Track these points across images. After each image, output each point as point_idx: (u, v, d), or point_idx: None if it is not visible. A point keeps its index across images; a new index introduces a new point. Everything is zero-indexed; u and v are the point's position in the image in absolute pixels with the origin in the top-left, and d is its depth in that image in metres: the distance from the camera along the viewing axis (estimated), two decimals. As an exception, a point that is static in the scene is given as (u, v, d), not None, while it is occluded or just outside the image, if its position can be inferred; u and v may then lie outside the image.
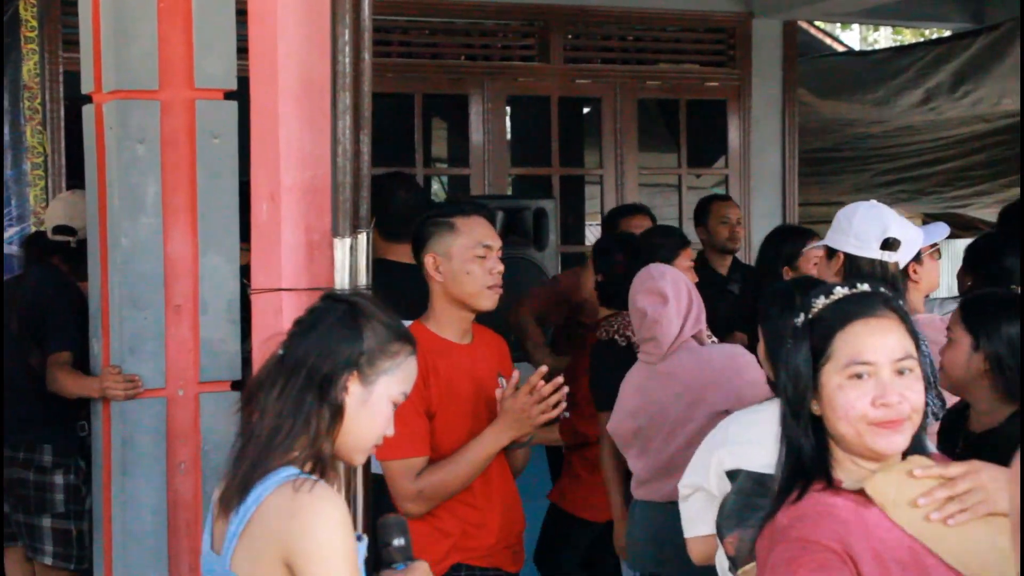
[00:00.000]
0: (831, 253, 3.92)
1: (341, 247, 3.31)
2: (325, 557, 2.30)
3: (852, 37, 18.59)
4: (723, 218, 6.40)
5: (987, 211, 10.24)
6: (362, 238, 3.35)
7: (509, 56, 7.66)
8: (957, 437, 3.44)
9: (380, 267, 4.60)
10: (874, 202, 3.96)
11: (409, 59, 7.39)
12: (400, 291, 4.46)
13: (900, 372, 2.20)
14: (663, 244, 4.90)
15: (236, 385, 4.18)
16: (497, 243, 3.69)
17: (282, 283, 3.31)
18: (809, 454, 2.23)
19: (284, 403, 2.39)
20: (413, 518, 3.45)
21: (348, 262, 3.33)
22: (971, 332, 3.39)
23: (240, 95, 3.90)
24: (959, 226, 10.69)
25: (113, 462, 4.16)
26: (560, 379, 3.51)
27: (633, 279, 4.29)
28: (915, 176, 9.80)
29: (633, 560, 4.33)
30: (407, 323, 3.85)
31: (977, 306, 3.48)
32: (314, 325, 2.46)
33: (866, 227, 3.83)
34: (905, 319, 2.25)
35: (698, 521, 3.24)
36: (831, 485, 2.21)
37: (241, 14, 3.63)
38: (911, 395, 2.19)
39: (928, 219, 12.22)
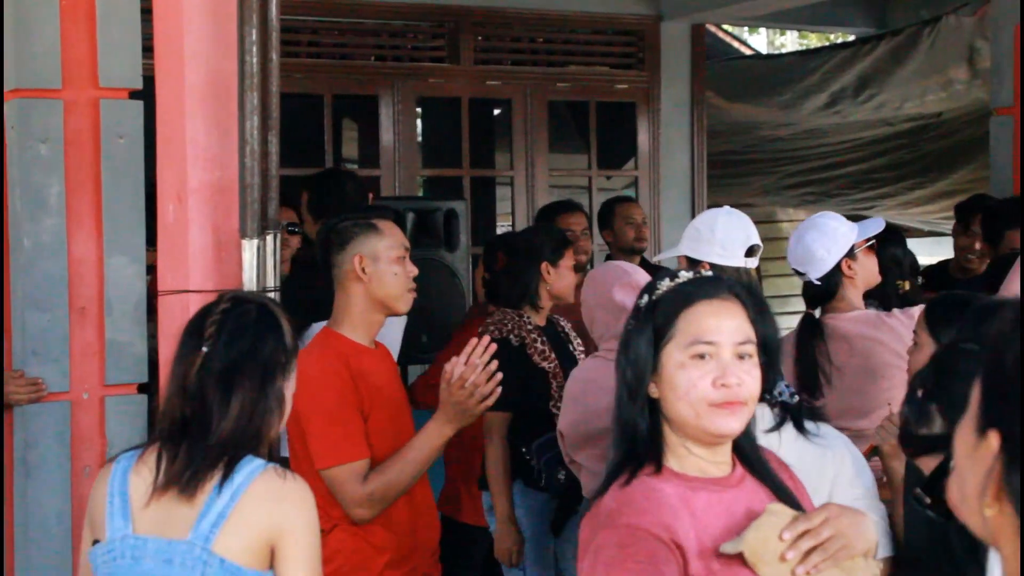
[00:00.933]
0: (692, 262, 3.96)
1: (249, 248, 3.29)
2: (308, 539, 2.57)
3: (759, 41, 18.80)
4: (628, 219, 6.40)
5: (891, 213, 10.41)
6: (270, 239, 3.33)
7: (419, 57, 7.65)
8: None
9: None
10: (729, 209, 4.01)
11: (318, 59, 7.35)
12: None
13: (740, 356, 2.23)
14: (547, 243, 4.90)
15: (143, 388, 4.13)
16: (409, 245, 3.74)
17: (189, 284, 3.28)
18: (643, 437, 2.25)
19: (242, 399, 2.56)
20: (362, 523, 3.46)
21: (256, 263, 3.30)
22: (933, 335, 3.44)
23: (146, 94, 3.86)
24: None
25: (16, 467, 4.09)
26: (494, 364, 3.44)
27: (595, 275, 4.29)
28: (822, 178, 9.93)
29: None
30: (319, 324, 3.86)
31: (940, 308, 3.53)
32: (243, 326, 2.59)
33: (731, 236, 3.89)
34: (748, 307, 2.28)
35: None
36: (660, 470, 2.23)
37: (146, 12, 3.60)
38: (749, 380, 2.23)
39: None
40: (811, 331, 4.12)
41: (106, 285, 4.07)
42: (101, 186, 4.07)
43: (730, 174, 9.53)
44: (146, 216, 4.04)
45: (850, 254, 4.15)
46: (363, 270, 3.58)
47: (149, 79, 3.53)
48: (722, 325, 2.24)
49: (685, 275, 2.31)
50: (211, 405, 2.55)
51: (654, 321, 2.25)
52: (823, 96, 8.89)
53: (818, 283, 4.13)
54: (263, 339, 2.61)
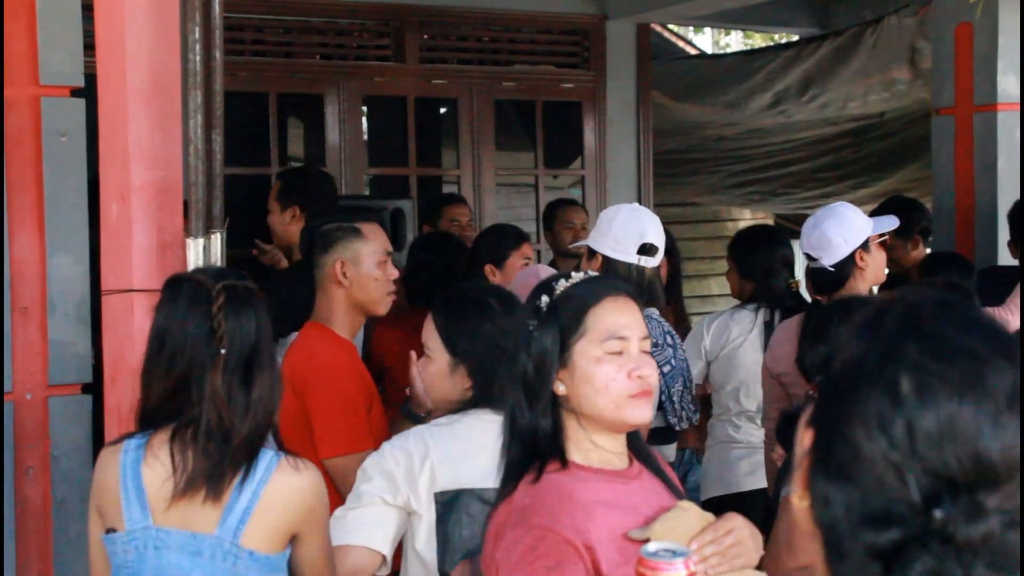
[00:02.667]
0: (592, 253, 4.03)
1: (194, 247, 3.28)
2: (323, 519, 2.73)
3: (704, 41, 18.91)
4: (567, 223, 6.43)
5: (835, 211, 10.49)
6: (215, 238, 3.32)
7: (365, 56, 7.63)
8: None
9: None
10: (636, 206, 4.08)
11: (263, 58, 7.31)
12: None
13: (643, 350, 2.32)
14: (496, 244, 4.92)
15: (87, 388, 4.10)
16: (391, 249, 3.80)
17: (133, 284, 3.26)
18: (547, 434, 2.29)
19: (261, 394, 2.64)
20: None
21: (201, 262, 3.29)
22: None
23: (88, 93, 3.83)
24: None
25: (-43, 469, 4.05)
26: None
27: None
28: (766, 177, 10.00)
29: None
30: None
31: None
32: (239, 308, 2.65)
33: (625, 232, 3.95)
34: (640, 305, 2.38)
35: (374, 533, 2.82)
36: (566, 465, 2.27)
37: (87, 10, 3.57)
38: (653, 372, 2.33)
39: (780, 220, 12.52)
40: (827, 315, 4.10)
41: (49, 284, 4.04)
42: (43, 185, 4.03)
43: (676, 173, 9.58)
44: (90, 215, 4.00)
45: (864, 246, 4.22)
46: (344, 274, 3.65)
47: (91, 77, 3.51)
48: (630, 321, 2.32)
49: (578, 275, 2.37)
50: (237, 409, 2.62)
51: (559, 319, 2.29)
52: (767, 96, 8.94)
53: (831, 269, 4.18)
54: (261, 323, 2.69)
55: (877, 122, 9.07)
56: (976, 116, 6.13)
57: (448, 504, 2.82)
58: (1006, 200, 6.01)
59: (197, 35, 3.22)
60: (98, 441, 3.71)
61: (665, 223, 7.40)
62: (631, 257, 3.93)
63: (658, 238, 3.96)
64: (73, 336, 4.08)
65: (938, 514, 1.12)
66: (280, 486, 2.65)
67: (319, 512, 2.72)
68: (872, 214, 4.88)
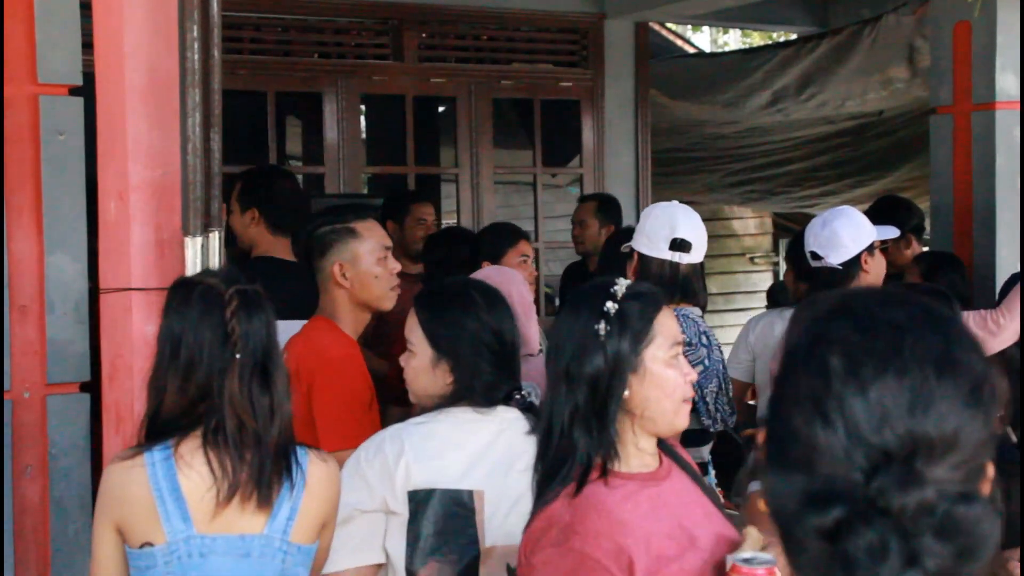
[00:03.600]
0: (631, 251, 4.02)
1: (192, 246, 3.28)
2: (338, 510, 2.80)
3: (703, 39, 18.91)
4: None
5: (833, 210, 10.50)
6: (213, 237, 3.31)
7: (363, 55, 7.63)
8: None
9: (270, 266, 4.57)
10: (672, 203, 4.04)
11: (261, 56, 7.31)
12: (291, 291, 4.45)
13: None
14: (494, 241, 4.93)
15: (85, 387, 4.10)
16: (390, 243, 3.80)
17: (132, 282, 3.26)
18: (609, 442, 2.31)
19: (280, 395, 2.67)
20: None
21: (199, 261, 3.29)
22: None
23: (86, 91, 3.83)
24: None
25: (-45, 467, 4.05)
26: None
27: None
28: (765, 176, 10.00)
29: None
30: (299, 322, 3.86)
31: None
32: (251, 312, 2.66)
33: (655, 227, 3.92)
34: None
35: (363, 549, 2.86)
36: (605, 474, 2.29)
37: (86, 8, 3.56)
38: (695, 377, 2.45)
39: (779, 218, 12.52)
40: None
41: (47, 283, 4.03)
42: (41, 183, 4.03)
43: (674, 172, 9.58)
44: (87, 214, 4.00)
45: (870, 249, 4.21)
46: (343, 276, 3.65)
47: (89, 76, 3.50)
48: (678, 327, 2.42)
49: (625, 281, 2.41)
50: (261, 412, 2.63)
51: (632, 325, 2.33)
52: (766, 94, 8.95)
53: (839, 268, 4.17)
54: (271, 327, 2.70)
55: (875, 121, 9.08)
56: (974, 115, 6.13)
57: (420, 503, 2.80)
58: (1004, 199, 6.02)
59: (195, 34, 3.22)
60: (96, 440, 3.71)
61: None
62: (663, 253, 3.88)
63: (692, 233, 3.90)
64: (71, 335, 4.07)
65: (874, 485, 1.12)
66: (316, 479, 2.72)
67: (339, 500, 2.81)
68: (865, 213, 4.88)
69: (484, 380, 2.88)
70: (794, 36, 10.12)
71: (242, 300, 2.66)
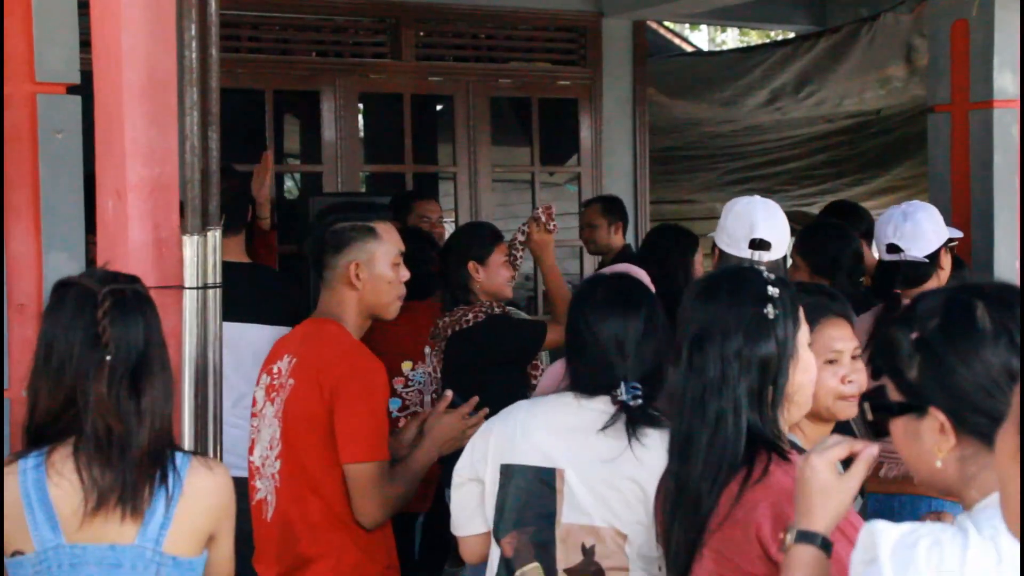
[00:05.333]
0: (714, 246, 4.00)
1: (190, 244, 3.27)
2: (234, 518, 2.68)
3: (701, 38, 18.91)
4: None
5: (831, 209, 10.50)
6: (212, 235, 3.31)
7: (361, 53, 7.63)
8: None
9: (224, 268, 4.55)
10: (753, 199, 3.96)
11: (259, 55, 7.31)
12: (228, 293, 4.37)
13: None
14: (478, 241, 4.91)
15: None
16: (403, 249, 3.62)
17: (129, 281, 3.25)
18: (778, 426, 2.44)
19: (152, 402, 2.56)
20: (372, 528, 3.37)
21: (198, 260, 3.28)
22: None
23: (84, 89, 3.82)
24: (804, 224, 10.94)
25: (-47, 466, 4.04)
26: (485, 409, 3.52)
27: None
28: (763, 175, 10.00)
29: None
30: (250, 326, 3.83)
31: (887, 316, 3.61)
32: (126, 313, 2.57)
33: (735, 226, 3.88)
34: None
35: (475, 517, 3.08)
36: (783, 456, 2.39)
37: (83, 7, 3.56)
38: None
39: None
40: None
41: (45, 282, 4.03)
42: (39, 182, 4.03)
43: (672, 170, 9.58)
44: (86, 212, 4.00)
45: (946, 244, 4.19)
46: (357, 276, 3.48)
47: (87, 74, 3.50)
48: None
49: (760, 266, 2.59)
50: (128, 417, 2.54)
51: (793, 310, 2.46)
52: (763, 93, 8.95)
53: (926, 260, 4.12)
54: (151, 327, 2.61)
55: (873, 119, 9.08)
56: (972, 113, 6.13)
57: (507, 476, 2.98)
58: (1002, 197, 6.02)
59: (193, 32, 3.21)
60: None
61: (661, 220, 7.46)
62: (743, 252, 3.85)
63: (770, 232, 3.84)
64: (69, 333, 4.07)
65: None
66: (197, 487, 2.60)
67: (232, 511, 2.68)
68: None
69: (586, 372, 3.01)
70: (792, 35, 10.13)
71: (116, 300, 2.57)
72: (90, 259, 4.20)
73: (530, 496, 2.93)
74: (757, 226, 3.84)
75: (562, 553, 2.91)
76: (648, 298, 3.07)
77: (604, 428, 2.90)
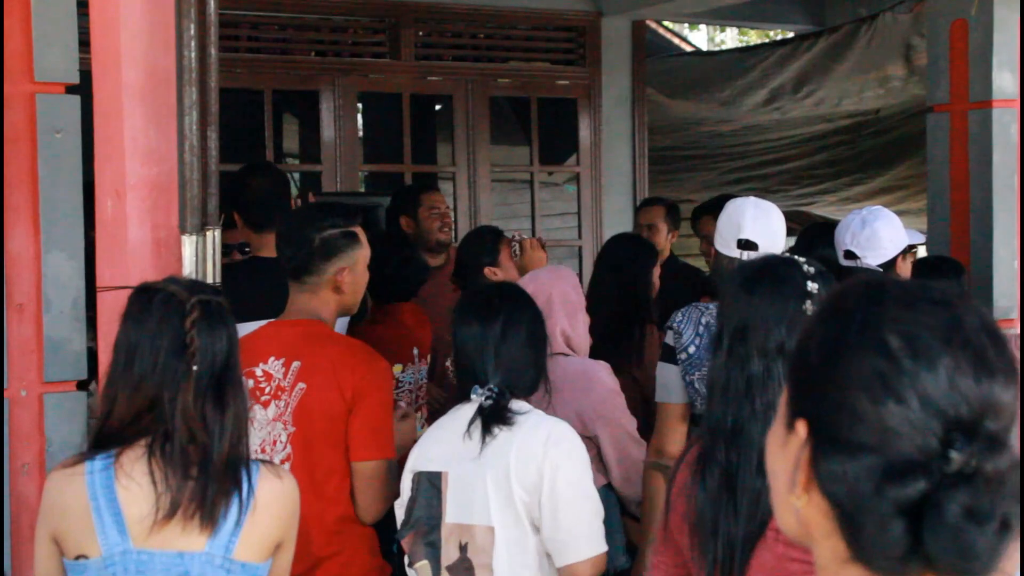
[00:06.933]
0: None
1: (189, 244, 3.28)
2: (297, 528, 2.70)
3: (700, 38, 18.91)
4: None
5: (830, 209, 10.51)
6: (211, 235, 3.31)
7: (360, 53, 7.63)
8: None
9: (262, 265, 4.55)
10: (745, 199, 4.01)
11: (258, 54, 7.31)
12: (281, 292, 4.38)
13: None
14: (489, 245, 4.95)
15: (81, 385, 4.10)
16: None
17: (129, 281, 3.25)
18: None
19: (234, 412, 2.57)
20: (374, 522, 3.51)
21: (197, 259, 3.29)
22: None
23: (83, 89, 3.82)
24: (805, 224, 10.95)
25: (-48, 466, 4.04)
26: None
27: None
28: (762, 174, 10.01)
29: None
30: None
31: None
32: (212, 324, 2.57)
33: (725, 226, 3.95)
34: None
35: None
36: None
37: (82, 6, 3.56)
38: None
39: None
40: None
41: (44, 281, 4.03)
42: (38, 181, 4.02)
43: (671, 170, 9.59)
44: (85, 212, 3.99)
45: (903, 252, 4.21)
46: (343, 281, 3.56)
47: (86, 74, 3.50)
48: None
49: (802, 259, 2.57)
50: (212, 427, 2.53)
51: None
52: (763, 93, 8.95)
53: (878, 269, 4.17)
54: (232, 339, 2.61)
55: (872, 119, 9.08)
56: (971, 113, 6.13)
57: (416, 483, 3.21)
58: (1001, 197, 6.02)
59: (192, 32, 3.22)
60: (93, 438, 3.71)
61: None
62: (733, 251, 3.92)
63: (758, 233, 3.90)
64: (68, 333, 4.07)
65: (955, 455, 1.16)
66: (267, 496, 2.60)
67: (297, 517, 2.70)
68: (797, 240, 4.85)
69: (459, 378, 3.25)
70: (791, 34, 10.13)
71: (204, 311, 2.56)
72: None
73: (429, 499, 3.16)
74: (744, 227, 3.89)
75: (445, 552, 3.13)
76: (510, 304, 3.23)
77: (467, 430, 3.11)
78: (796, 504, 1.24)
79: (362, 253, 3.61)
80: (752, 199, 4.01)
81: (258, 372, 3.51)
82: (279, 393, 3.45)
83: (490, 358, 3.14)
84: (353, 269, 3.58)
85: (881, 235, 4.19)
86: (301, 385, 3.43)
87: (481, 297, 3.30)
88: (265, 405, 3.47)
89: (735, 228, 3.92)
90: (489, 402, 3.11)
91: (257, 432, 3.48)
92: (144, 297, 2.63)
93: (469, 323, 3.21)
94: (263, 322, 4.26)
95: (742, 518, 2.39)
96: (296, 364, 3.46)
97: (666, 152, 9.26)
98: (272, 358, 3.50)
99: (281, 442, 3.45)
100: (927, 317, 1.20)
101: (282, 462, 3.44)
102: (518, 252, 4.99)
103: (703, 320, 3.88)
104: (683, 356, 3.90)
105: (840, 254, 4.35)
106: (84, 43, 3.53)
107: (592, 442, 3.93)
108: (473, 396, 3.14)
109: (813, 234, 4.93)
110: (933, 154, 6.37)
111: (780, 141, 9.58)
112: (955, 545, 1.15)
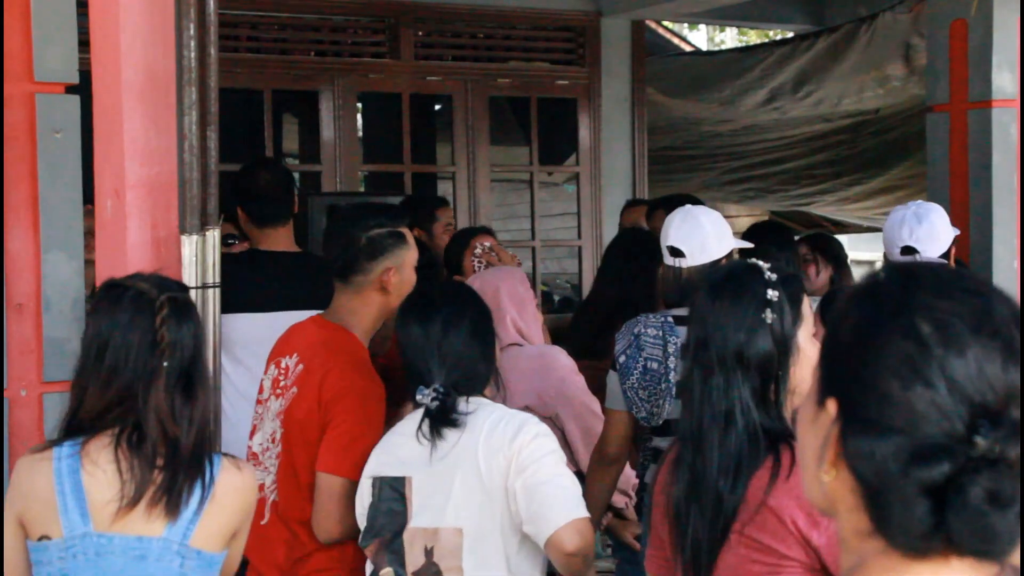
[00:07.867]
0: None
1: (189, 244, 3.28)
2: (252, 520, 2.82)
3: (699, 37, 18.91)
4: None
5: (829, 209, 10.52)
6: (211, 235, 3.31)
7: (359, 52, 7.63)
8: None
9: (262, 258, 4.56)
10: (682, 208, 4.05)
11: (258, 54, 7.31)
12: (284, 282, 4.35)
13: None
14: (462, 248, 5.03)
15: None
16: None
17: (128, 280, 3.25)
18: (780, 419, 2.51)
19: (202, 405, 2.67)
20: (323, 543, 3.37)
21: (196, 259, 3.29)
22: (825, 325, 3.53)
23: (83, 89, 3.83)
24: (804, 224, 10.96)
25: (-48, 465, 4.05)
26: None
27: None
28: (761, 174, 10.01)
29: None
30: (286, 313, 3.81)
31: (831, 300, 3.63)
32: (181, 320, 2.67)
33: (661, 235, 3.98)
34: None
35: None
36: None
37: (82, 6, 3.56)
38: None
39: (775, 217, 12.52)
40: None
41: (43, 281, 4.03)
42: (37, 181, 4.03)
43: (671, 170, 9.59)
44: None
45: (953, 243, 4.29)
46: (390, 281, 3.47)
47: (86, 74, 3.50)
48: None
49: (765, 265, 2.59)
50: (181, 420, 2.63)
51: (791, 310, 2.54)
52: (762, 92, 8.95)
53: (942, 260, 4.22)
54: (198, 335, 2.71)
55: (872, 119, 9.08)
56: (971, 113, 6.13)
57: (376, 489, 3.15)
58: (1001, 197, 6.02)
59: (192, 31, 3.22)
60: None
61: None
62: (668, 259, 3.95)
63: (681, 239, 3.90)
64: (67, 333, 4.07)
65: (980, 440, 1.20)
66: (228, 485, 2.70)
67: (254, 509, 2.81)
68: (744, 237, 4.86)
69: (409, 380, 3.17)
70: (791, 34, 10.12)
71: (173, 307, 2.66)
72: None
73: (391, 505, 3.11)
74: (669, 235, 3.94)
75: (410, 557, 3.08)
76: (450, 300, 3.19)
77: (416, 434, 3.06)
78: (824, 479, 1.28)
79: (410, 254, 3.52)
80: (688, 207, 4.05)
81: (282, 364, 3.50)
82: (285, 391, 3.45)
83: (433, 357, 3.08)
84: (400, 270, 3.48)
85: (938, 227, 4.26)
86: (294, 389, 3.42)
87: (421, 297, 3.25)
88: (277, 398, 3.48)
89: (664, 236, 3.97)
90: (435, 403, 3.04)
91: (270, 421, 3.48)
92: (113, 294, 2.71)
93: (409, 324, 3.15)
94: (266, 315, 4.27)
95: (707, 520, 2.46)
96: (300, 367, 3.44)
97: (666, 152, 9.25)
98: (295, 354, 3.48)
99: (277, 437, 3.45)
100: (959, 305, 1.24)
101: (276, 457, 3.45)
102: (479, 267, 4.97)
103: (635, 330, 3.91)
104: (618, 365, 3.92)
105: (895, 251, 4.35)
106: (84, 43, 3.53)
107: (556, 425, 4.00)
108: (419, 397, 3.07)
109: (759, 235, 4.98)
110: (933, 154, 6.37)
111: (780, 141, 9.58)
112: (977, 527, 1.19)
